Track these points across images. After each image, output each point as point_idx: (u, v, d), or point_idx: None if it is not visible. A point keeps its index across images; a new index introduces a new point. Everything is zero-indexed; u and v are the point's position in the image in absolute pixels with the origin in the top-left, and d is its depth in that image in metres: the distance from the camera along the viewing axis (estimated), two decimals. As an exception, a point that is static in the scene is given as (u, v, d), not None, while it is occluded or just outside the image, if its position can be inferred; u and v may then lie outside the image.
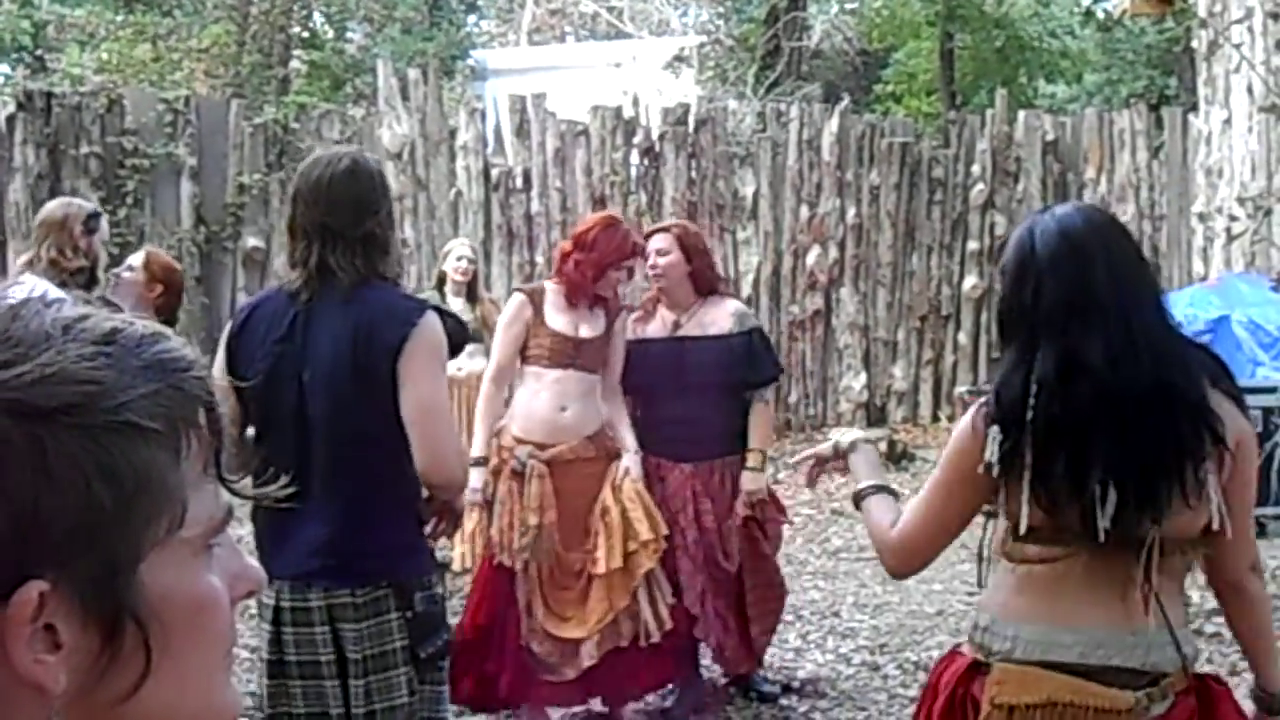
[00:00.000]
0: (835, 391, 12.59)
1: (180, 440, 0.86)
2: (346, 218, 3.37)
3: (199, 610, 0.88)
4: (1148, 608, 2.50)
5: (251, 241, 10.91)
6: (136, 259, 6.34)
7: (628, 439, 5.31)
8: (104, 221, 5.63)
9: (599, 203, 11.60)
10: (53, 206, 5.56)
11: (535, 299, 5.26)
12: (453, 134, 11.65)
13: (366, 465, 3.33)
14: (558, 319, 5.22)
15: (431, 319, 3.34)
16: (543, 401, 5.20)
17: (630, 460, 5.27)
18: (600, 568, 5.16)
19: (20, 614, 0.80)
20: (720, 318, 5.50)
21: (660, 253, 5.39)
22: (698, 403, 5.36)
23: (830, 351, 12.57)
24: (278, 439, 3.36)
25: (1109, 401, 2.44)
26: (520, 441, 5.19)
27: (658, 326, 5.47)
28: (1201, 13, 10.85)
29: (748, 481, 5.46)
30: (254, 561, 0.96)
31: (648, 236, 5.56)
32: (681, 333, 5.42)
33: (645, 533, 5.17)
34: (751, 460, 5.48)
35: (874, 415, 12.57)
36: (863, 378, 12.54)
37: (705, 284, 5.53)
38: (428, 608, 3.40)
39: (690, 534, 5.38)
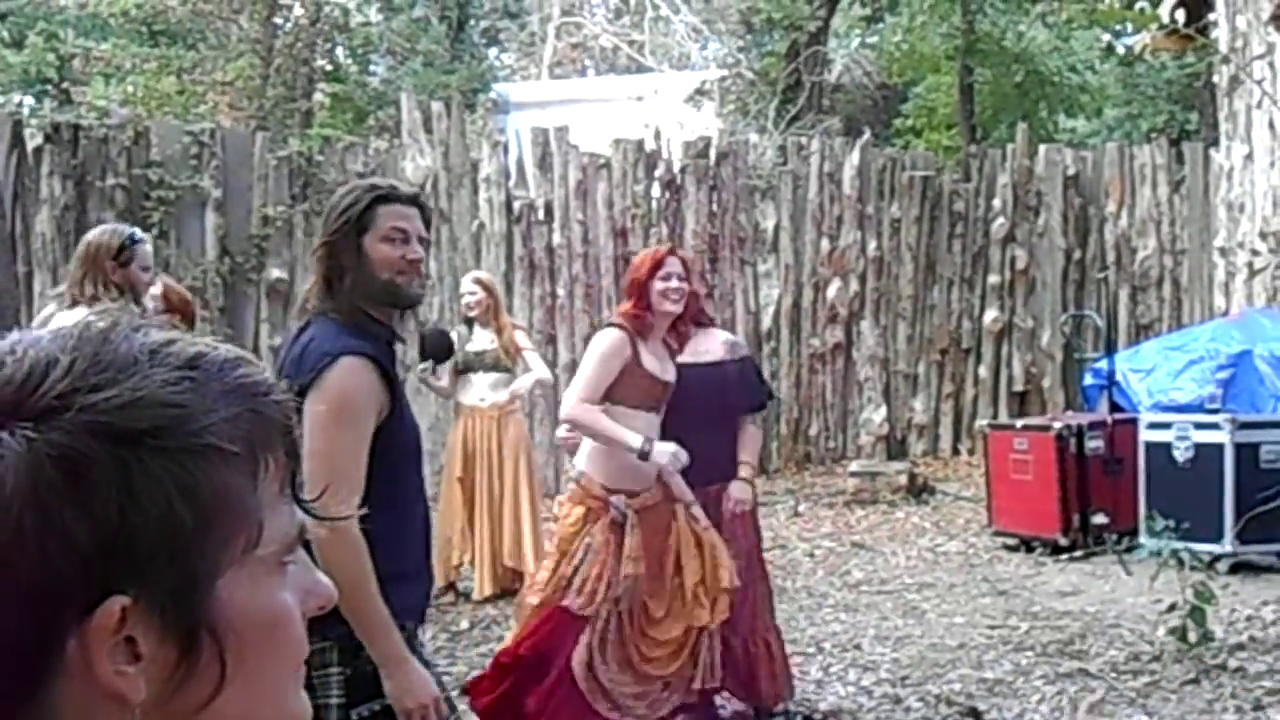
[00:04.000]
0: (855, 424, 12.59)
1: (259, 463, 0.89)
2: (316, 250, 3.33)
3: (273, 625, 0.91)
4: None
5: (275, 273, 10.96)
6: (156, 289, 6.41)
7: (683, 485, 5.24)
8: (143, 247, 5.41)
9: (620, 235, 11.66)
10: (88, 238, 5.42)
11: (634, 337, 5.06)
12: (475, 166, 11.71)
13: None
14: (652, 361, 5.09)
15: (343, 365, 3.09)
16: None
17: (698, 509, 5.26)
18: (704, 619, 5.14)
19: (104, 627, 0.83)
20: (713, 346, 5.56)
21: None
22: (699, 430, 5.27)
23: (850, 384, 12.59)
24: None
25: None
26: (610, 490, 5.04)
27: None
28: (1223, 48, 10.88)
29: (735, 490, 5.52)
30: (324, 577, 0.99)
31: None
32: (678, 361, 5.32)
33: (726, 580, 5.20)
34: (743, 471, 5.55)
35: (894, 448, 12.58)
36: (883, 411, 12.55)
37: (701, 313, 5.58)
38: (369, 669, 3.13)
39: None
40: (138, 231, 5.55)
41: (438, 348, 7.85)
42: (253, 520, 0.88)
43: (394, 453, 3.18)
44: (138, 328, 0.90)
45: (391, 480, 3.17)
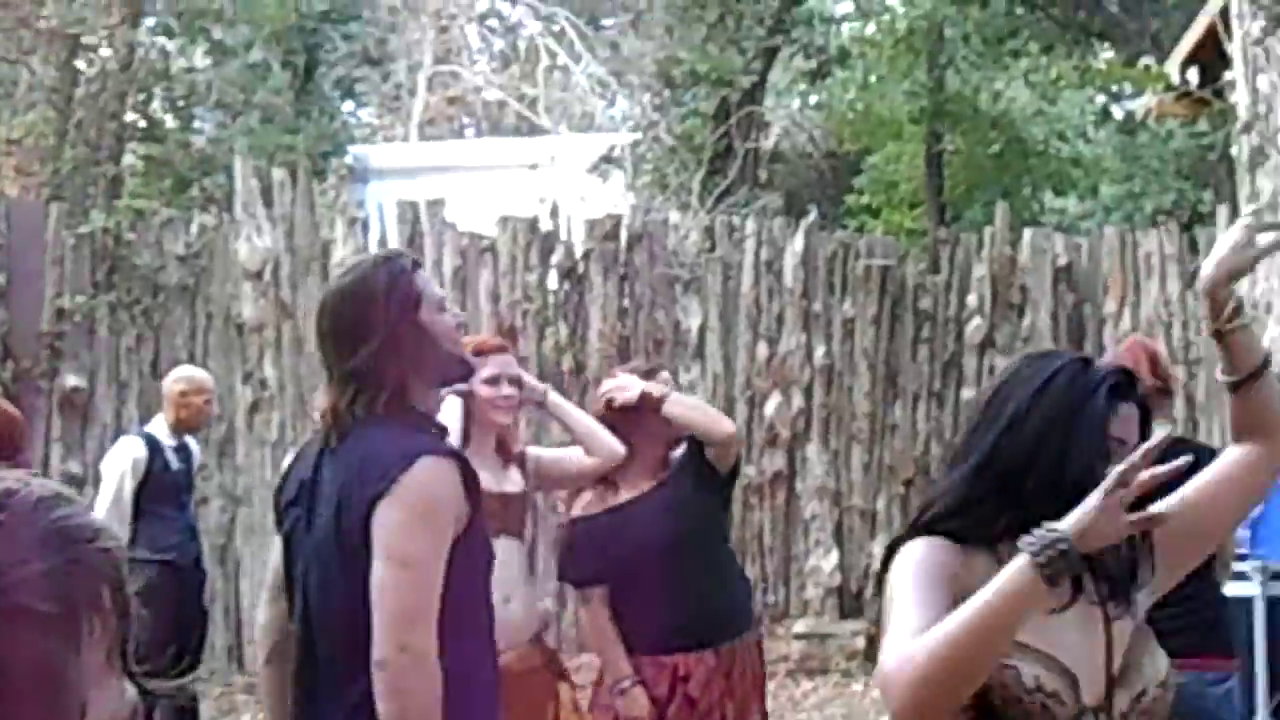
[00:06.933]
0: (800, 574, 12.58)
1: (81, 626, 0.88)
2: (332, 351, 3.51)
3: None
4: None
5: (71, 380, 10.83)
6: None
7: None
8: None
9: (508, 335, 11.65)
10: None
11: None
12: (327, 249, 11.67)
13: (366, 670, 3.31)
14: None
15: (425, 466, 3.32)
16: None
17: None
18: None
19: None
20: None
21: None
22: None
23: (794, 524, 12.59)
24: (297, 620, 3.49)
25: None
26: None
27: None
28: (1243, 115, 11.10)
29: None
30: None
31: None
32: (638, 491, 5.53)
33: None
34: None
35: (848, 604, 12.57)
36: (834, 556, 12.55)
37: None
38: None
39: None
40: None
41: None
42: (73, 698, 0.86)
43: (466, 576, 3.39)
44: None
45: (461, 609, 3.36)
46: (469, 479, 3.38)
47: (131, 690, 0.92)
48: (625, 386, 5.52)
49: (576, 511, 5.57)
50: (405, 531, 3.27)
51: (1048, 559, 2.50)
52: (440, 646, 3.25)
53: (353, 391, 3.44)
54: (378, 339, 3.43)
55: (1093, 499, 2.55)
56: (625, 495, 5.48)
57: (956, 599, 2.67)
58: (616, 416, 5.45)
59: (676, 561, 5.45)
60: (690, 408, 5.75)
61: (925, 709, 2.58)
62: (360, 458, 3.37)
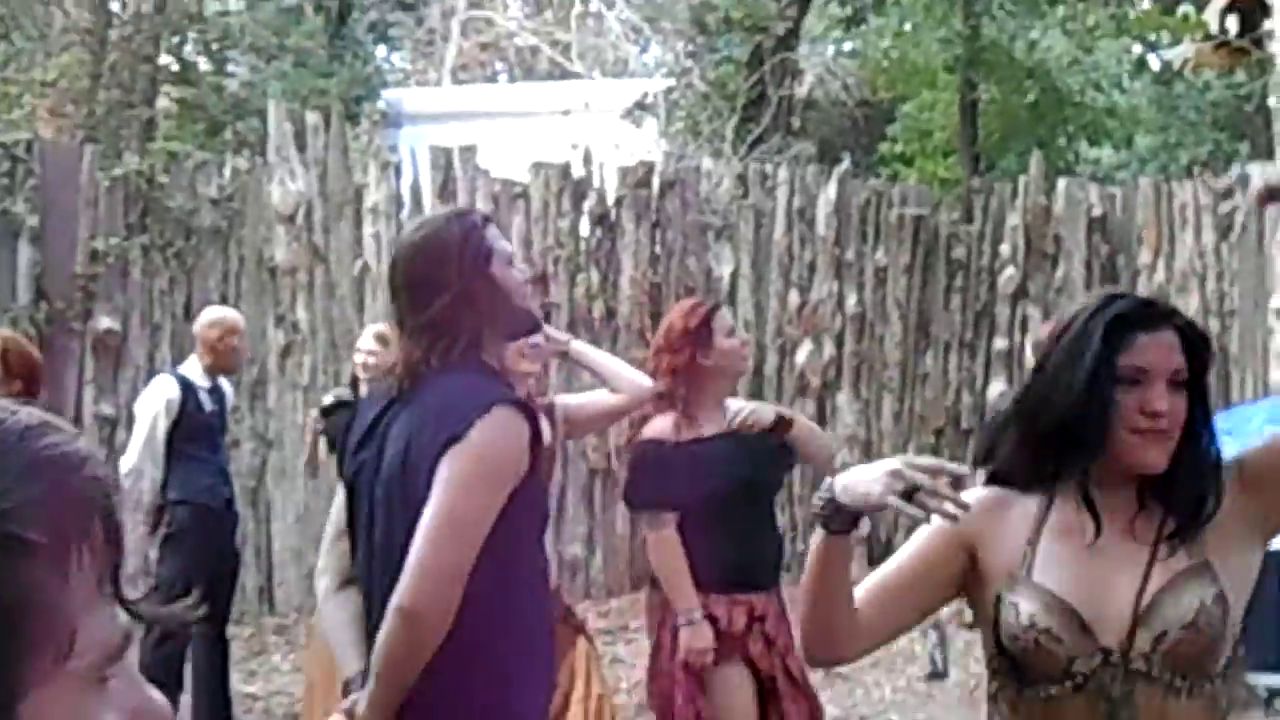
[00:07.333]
0: (830, 521, 12.57)
1: (70, 554, 0.87)
2: (407, 304, 3.57)
3: None
4: None
5: (105, 323, 10.86)
6: (-14, 348, 6.30)
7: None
8: None
9: (540, 282, 11.63)
10: None
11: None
12: (359, 193, 11.68)
13: None
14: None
15: (500, 416, 3.38)
16: None
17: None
18: None
19: None
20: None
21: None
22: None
23: (824, 472, 12.57)
24: (360, 565, 3.58)
25: None
26: None
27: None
28: (1281, 64, 11.03)
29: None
30: (157, 694, 0.97)
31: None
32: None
33: None
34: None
35: (877, 551, 12.56)
36: (864, 505, 12.54)
37: None
38: None
39: None
40: None
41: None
42: (64, 625, 0.86)
43: (521, 528, 3.48)
44: None
45: (512, 560, 3.43)
46: (535, 431, 3.44)
47: (124, 617, 0.93)
48: (760, 414, 5.67)
49: (648, 435, 5.60)
50: (465, 486, 3.32)
51: (819, 508, 2.74)
52: (497, 595, 3.34)
53: (427, 343, 3.49)
54: (452, 292, 3.49)
55: (887, 463, 2.73)
56: (704, 431, 5.55)
57: (971, 551, 2.84)
58: (694, 368, 5.52)
59: (749, 504, 5.60)
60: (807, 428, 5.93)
61: (806, 646, 3.01)
62: (436, 404, 3.43)
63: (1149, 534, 2.76)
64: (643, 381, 5.44)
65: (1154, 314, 2.82)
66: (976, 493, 2.89)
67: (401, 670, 3.32)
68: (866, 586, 2.93)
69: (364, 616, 3.57)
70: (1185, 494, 2.75)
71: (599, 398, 5.47)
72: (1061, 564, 2.77)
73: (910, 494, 2.67)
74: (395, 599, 3.28)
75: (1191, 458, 2.76)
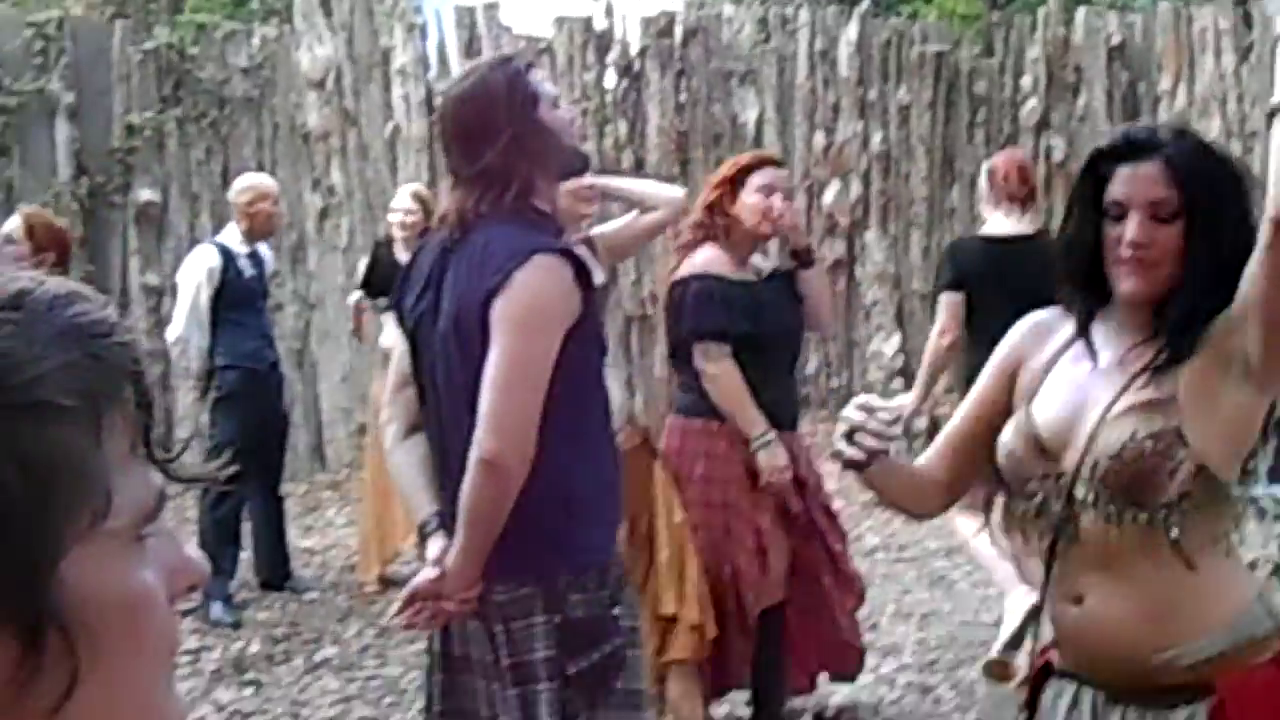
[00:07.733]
0: (863, 358, 12.74)
1: (101, 418, 0.90)
2: (458, 155, 3.60)
3: (131, 611, 0.92)
4: None
5: (145, 194, 10.97)
6: (13, 225, 6.45)
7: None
8: None
9: (568, 135, 11.72)
10: None
11: None
12: (387, 56, 11.74)
13: None
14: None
15: (537, 264, 3.41)
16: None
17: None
18: (670, 607, 5.42)
19: None
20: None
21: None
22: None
23: (855, 309, 12.73)
24: (426, 411, 3.66)
25: None
26: None
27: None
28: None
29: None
30: (194, 551, 1.00)
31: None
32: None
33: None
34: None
35: (910, 384, 12.72)
36: (895, 339, 12.69)
37: None
38: (585, 613, 3.52)
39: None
40: None
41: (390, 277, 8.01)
42: (98, 487, 0.89)
43: (582, 367, 3.53)
44: None
45: (577, 400, 3.50)
46: (581, 274, 3.47)
47: (158, 478, 0.95)
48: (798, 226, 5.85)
49: (686, 271, 5.57)
50: (519, 333, 3.38)
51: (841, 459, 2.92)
52: (566, 432, 3.43)
53: (480, 191, 3.53)
54: (503, 139, 3.51)
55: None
56: (753, 274, 5.63)
57: (1014, 375, 3.01)
58: (722, 213, 5.57)
59: (789, 349, 5.78)
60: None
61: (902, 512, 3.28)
62: (481, 254, 3.47)
63: (1139, 366, 2.82)
64: (675, 194, 5.42)
65: (1137, 146, 2.82)
66: (1030, 318, 3.05)
67: (489, 519, 3.41)
68: (937, 446, 3.08)
69: (431, 461, 3.65)
70: (1171, 327, 2.78)
71: (631, 221, 5.37)
72: (1056, 390, 2.89)
73: (851, 435, 2.83)
74: (474, 451, 3.36)
75: (1185, 291, 2.76)
